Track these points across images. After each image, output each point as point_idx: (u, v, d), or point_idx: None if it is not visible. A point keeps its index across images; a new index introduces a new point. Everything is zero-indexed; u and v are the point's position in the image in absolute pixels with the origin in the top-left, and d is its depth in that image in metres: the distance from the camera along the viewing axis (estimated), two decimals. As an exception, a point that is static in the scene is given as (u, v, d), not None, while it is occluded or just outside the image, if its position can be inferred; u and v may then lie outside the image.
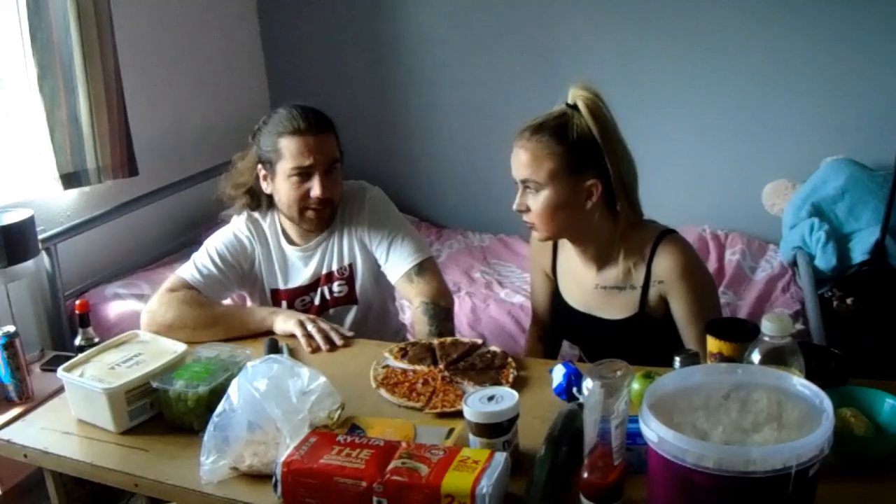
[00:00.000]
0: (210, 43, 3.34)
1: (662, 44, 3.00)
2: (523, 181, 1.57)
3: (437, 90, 3.43)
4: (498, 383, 1.46)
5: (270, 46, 3.66)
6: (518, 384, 1.46)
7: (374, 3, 3.41)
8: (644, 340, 1.62)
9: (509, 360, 1.56)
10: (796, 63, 2.85)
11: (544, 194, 1.55)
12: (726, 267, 2.83)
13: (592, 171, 1.54)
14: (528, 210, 1.59)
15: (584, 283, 1.70)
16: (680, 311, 1.60)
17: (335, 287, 1.92)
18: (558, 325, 1.84)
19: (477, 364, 1.55)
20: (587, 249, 1.66)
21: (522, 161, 1.55)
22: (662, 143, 3.01)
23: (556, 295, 1.79)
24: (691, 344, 1.58)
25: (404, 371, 1.54)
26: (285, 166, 1.76)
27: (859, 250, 2.57)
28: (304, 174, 1.77)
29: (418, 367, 1.54)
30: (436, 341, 1.64)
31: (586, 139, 1.52)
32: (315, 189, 1.77)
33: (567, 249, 1.71)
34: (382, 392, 1.46)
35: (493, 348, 1.60)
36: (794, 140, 2.93)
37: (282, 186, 1.80)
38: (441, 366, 1.54)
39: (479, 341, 1.64)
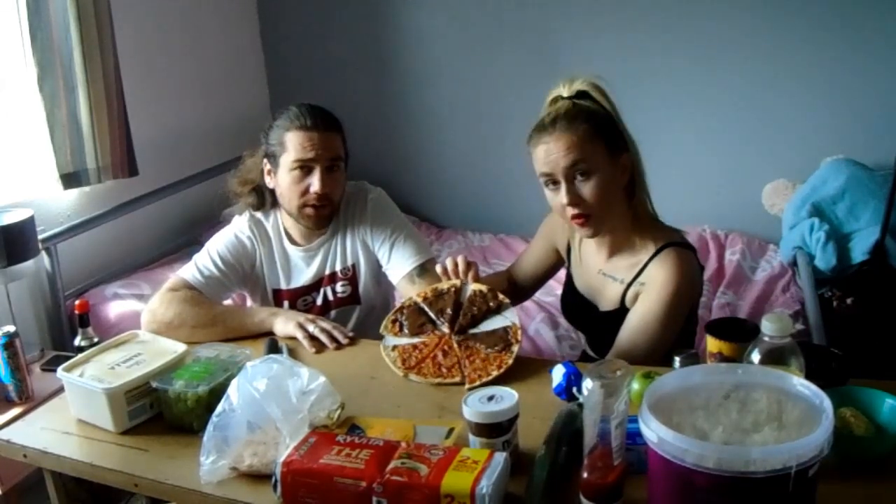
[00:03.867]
0: (210, 43, 3.34)
1: (662, 44, 3.00)
2: (570, 168, 1.50)
3: (437, 90, 3.43)
4: (508, 343, 1.50)
5: (270, 46, 3.66)
6: (518, 384, 1.45)
7: (374, 3, 3.41)
8: None
9: (500, 296, 1.59)
10: (796, 63, 2.85)
11: (597, 178, 1.51)
12: (726, 267, 2.83)
13: (622, 147, 1.55)
14: (579, 202, 1.52)
15: (591, 267, 1.71)
16: (637, 311, 1.57)
17: (338, 287, 1.92)
18: (565, 309, 1.85)
19: (476, 313, 1.57)
20: (606, 235, 1.65)
21: (565, 147, 1.49)
22: (662, 143, 3.00)
23: (567, 278, 1.81)
24: (618, 351, 1.55)
25: (414, 346, 1.54)
26: (288, 159, 1.78)
27: (859, 250, 2.57)
28: (305, 168, 1.78)
29: (424, 338, 1.55)
30: (418, 298, 1.64)
31: (609, 116, 1.54)
32: (314, 184, 1.78)
33: None
34: (413, 377, 1.48)
35: (476, 287, 1.61)
36: (794, 140, 2.93)
37: (283, 180, 1.81)
38: (446, 329, 1.56)
39: (458, 282, 1.63)
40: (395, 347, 1.56)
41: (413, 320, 1.60)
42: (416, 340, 1.56)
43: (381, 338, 1.62)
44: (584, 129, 1.50)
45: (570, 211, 1.54)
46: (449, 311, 1.58)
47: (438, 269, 1.67)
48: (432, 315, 1.59)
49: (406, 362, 1.52)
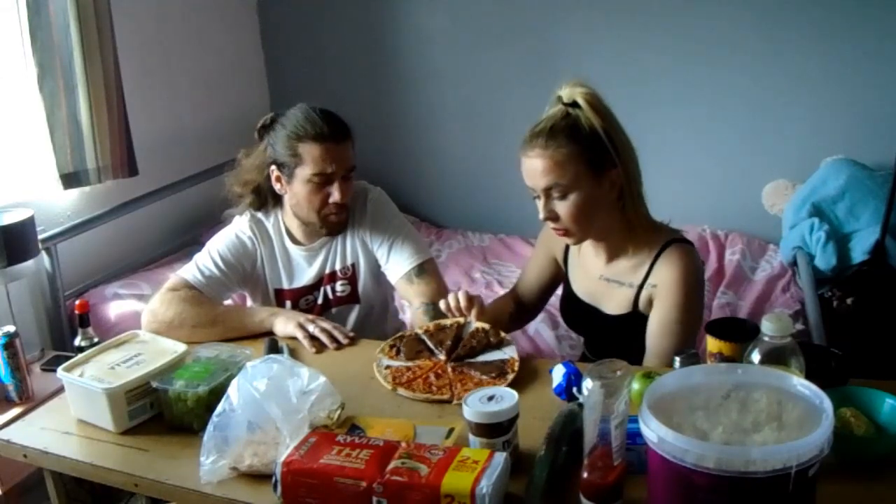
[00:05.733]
0: (210, 43, 3.34)
1: (662, 44, 3.00)
2: (547, 189, 1.53)
3: (437, 90, 3.43)
4: (504, 373, 1.47)
5: (270, 46, 3.66)
6: (518, 384, 1.45)
7: (374, 3, 3.41)
8: (640, 339, 1.62)
9: (502, 334, 1.57)
10: (797, 63, 2.85)
11: (573, 198, 1.53)
12: (726, 267, 2.83)
13: (609, 163, 1.54)
14: (556, 217, 1.56)
15: (591, 273, 1.71)
16: (656, 317, 1.58)
17: (338, 286, 1.92)
18: (565, 315, 1.85)
19: (475, 345, 1.55)
20: (601, 242, 1.65)
21: (542, 169, 1.52)
22: (662, 143, 3.01)
23: (565, 284, 1.80)
24: (652, 357, 1.56)
25: (408, 367, 1.53)
26: (306, 171, 1.75)
27: (859, 250, 2.57)
28: (323, 180, 1.76)
29: (420, 363, 1.54)
30: (420, 331, 1.63)
31: (596, 134, 1.51)
32: (335, 195, 1.77)
33: None
34: (402, 392, 1.45)
35: (479, 325, 1.60)
36: (794, 140, 2.93)
37: (300, 191, 1.79)
38: (442, 356, 1.54)
39: (462, 320, 1.62)
40: (388, 367, 1.54)
41: (410, 347, 1.58)
42: (410, 364, 1.54)
43: (380, 337, 1.62)
44: (563, 151, 1.50)
45: (549, 224, 1.60)
46: (448, 342, 1.56)
47: (442, 305, 1.64)
48: (431, 345, 1.58)
49: (396, 379, 1.49)
